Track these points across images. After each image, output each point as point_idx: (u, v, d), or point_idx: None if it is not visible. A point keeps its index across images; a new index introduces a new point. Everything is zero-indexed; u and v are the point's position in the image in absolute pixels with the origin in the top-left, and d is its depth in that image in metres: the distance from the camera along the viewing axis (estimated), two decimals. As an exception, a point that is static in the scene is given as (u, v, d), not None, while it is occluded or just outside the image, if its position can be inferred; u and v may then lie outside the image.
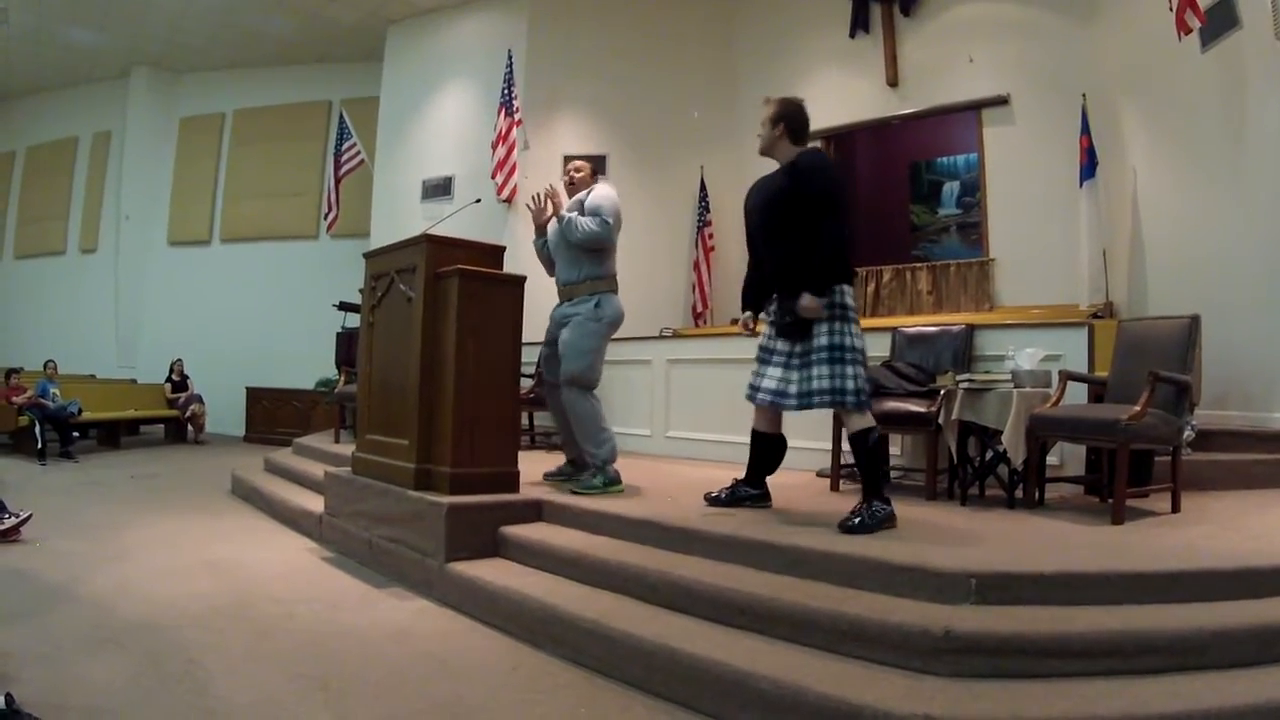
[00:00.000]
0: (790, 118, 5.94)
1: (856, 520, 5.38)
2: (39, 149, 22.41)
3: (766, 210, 5.99)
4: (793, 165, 5.84)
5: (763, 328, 6.18)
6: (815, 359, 5.66)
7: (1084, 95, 11.18)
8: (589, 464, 7.05)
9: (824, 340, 5.63)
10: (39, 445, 13.67)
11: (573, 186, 7.47)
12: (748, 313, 6.38)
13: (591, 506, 6.24)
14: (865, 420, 5.69)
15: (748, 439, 6.28)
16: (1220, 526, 5.60)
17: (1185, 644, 3.78)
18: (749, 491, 6.30)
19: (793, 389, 5.77)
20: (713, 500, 6.32)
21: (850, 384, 5.58)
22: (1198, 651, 3.77)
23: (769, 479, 6.32)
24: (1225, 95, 8.94)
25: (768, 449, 6.30)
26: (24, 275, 22.13)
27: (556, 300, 7.38)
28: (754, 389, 6.05)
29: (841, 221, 5.66)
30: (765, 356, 6.03)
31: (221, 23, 18.02)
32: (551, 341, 7.31)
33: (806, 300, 5.58)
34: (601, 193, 7.23)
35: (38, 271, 21.89)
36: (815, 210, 5.63)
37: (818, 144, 13.79)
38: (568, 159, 7.65)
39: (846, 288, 5.69)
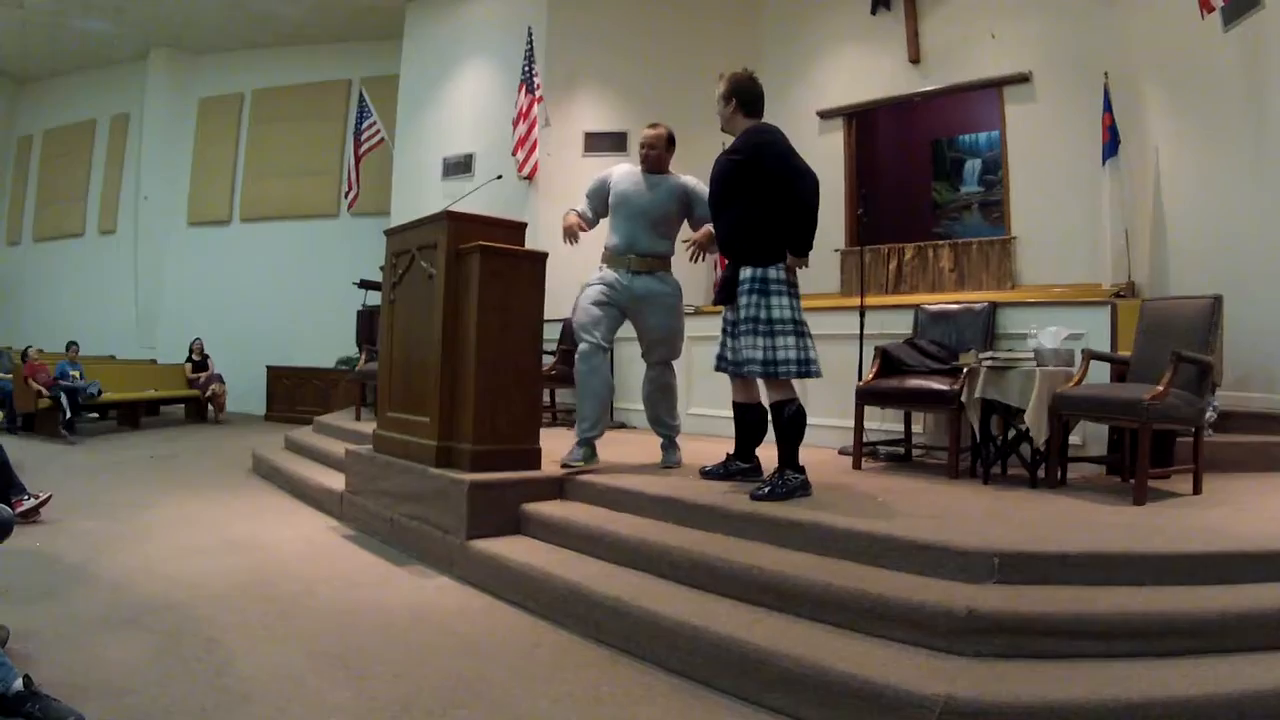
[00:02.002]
0: (740, 92, 6.10)
1: (767, 489, 5.64)
2: (56, 132, 22.61)
3: (714, 188, 6.21)
4: (738, 146, 6.01)
5: None
6: (741, 330, 5.85)
7: (1106, 73, 11.12)
8: (666, 436, 7.33)
9: (743, 313, 5.82)
10: (66, 416, 13.90)
11: (647, 163, 7.18)
12: None
13: (615, 484, 6.22)
14: (784, 392, 5.86)
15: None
16: (1242, 508, 5.58)
17: (1208, 627, 3.77)
18: (740, 465, 6.46)
19: (729, 355, 6.10)
20: (707, 474, 6.48)
21: (762, 354, 5.73)
22: (1220, 634, 3.76)
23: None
24: (1247, 75, 8.88)
25: (745, 420, 6.47)
26: (43, 258, 22.34)
27: (589, 273, 7.21)
28: (718, 359, 6.27)
29: (807, 176, 5.75)
30: (725, 327, 6.19)
31: (233, 2, 18.11)
32: (615, 305, 6.98)
33: (790, 261, 5.84)
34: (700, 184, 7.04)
35: (57, 254, 22.10)
36: (769, 185, 5.79)
37: (837, 121, 13.90)
38: (652, 126, 7.29)
39: (779, 264, 5.83)
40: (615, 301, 6.98)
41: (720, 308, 6.20)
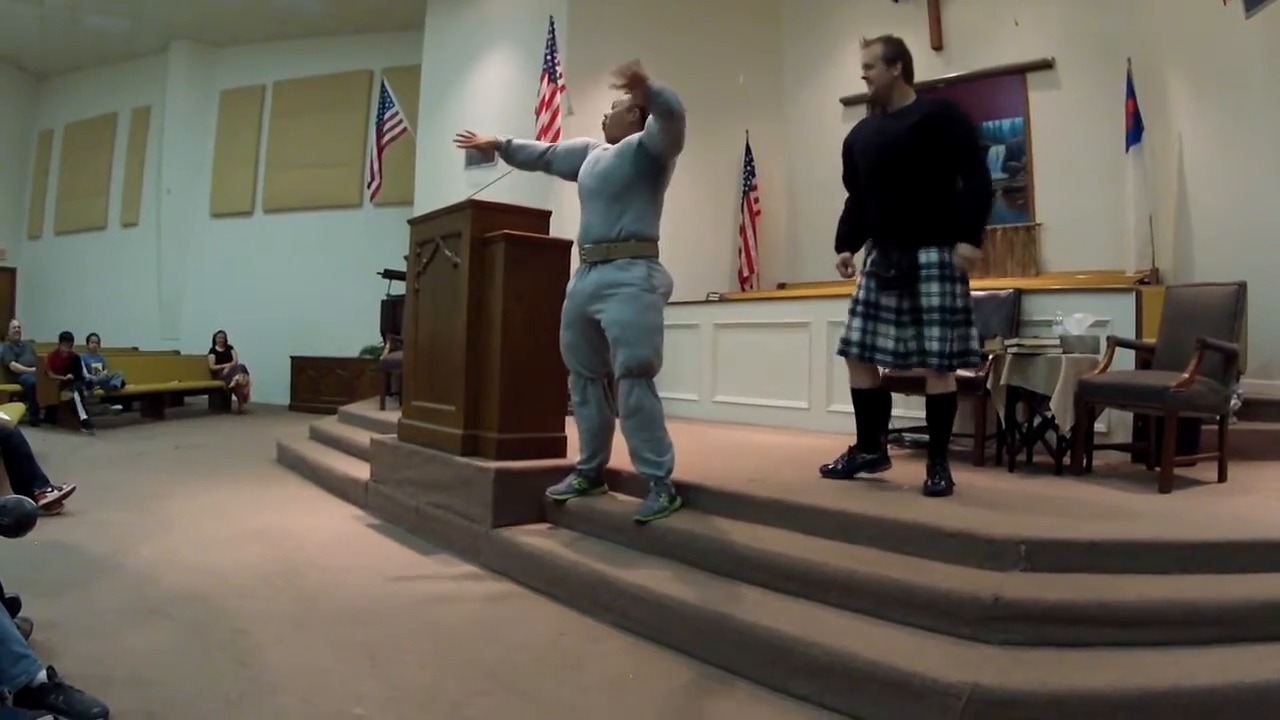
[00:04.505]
0: (905, 55, 5.61)
1: (943, 483, 5.46)
2: (77, 126, 22.75)
3: (882, 153, 5.65)
4: (926, 113, 5.51)
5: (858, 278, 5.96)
6: (928, 319, 5.49)
7: (1129, 59, 11.07)
8: (647, 477, 5.69)
9: (936, 301, 5.45)
10: (82, 417, 14.05)
11: (610, 126, 5.97)
12: (845, 253, 6.10)
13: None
14: (952, 383, 5.69)
15: (794, 403, 6.18)
16: (1267, 496, 5.55)
17: (1234, 615, 3.76)
18: (865, 457, 6.04)
19: (912, 346, 5.63)
20: (829, 472, 6.03)
21: (957, 346, 5.47)
22: (1247, 623, 3.74)
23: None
24: (1270, 60, 8.82)
25: (874, 406, 6.07)
26: (66, 251, 22.52)
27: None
28: (855, 345, 5.78)
29: (987, 173, 5.56)
30: (868, 311, 5.74)
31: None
32: (577, 322, 5.88)
33: (967, 250, 5.43)
34: None
35: (79, 247, 22.27)
36: (948, 160, 5.45)
37: (860, 108, 13.84)
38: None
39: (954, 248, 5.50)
40: (578, 312, 5.84)
41: (743, 293, 6.00)
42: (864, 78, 5.68)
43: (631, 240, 5.64)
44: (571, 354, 5.99)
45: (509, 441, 6.43)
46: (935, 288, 5.44)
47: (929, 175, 5.46)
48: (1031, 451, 6.86)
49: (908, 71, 5.62)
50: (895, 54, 5.56)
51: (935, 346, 5.43)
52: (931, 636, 3.85)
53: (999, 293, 7.81)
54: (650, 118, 5.44)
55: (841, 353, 5.91)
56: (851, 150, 5.92)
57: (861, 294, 5.79)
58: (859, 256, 6.05)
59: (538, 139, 12.66)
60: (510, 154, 6.51)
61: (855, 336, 5.78)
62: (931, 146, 5.42)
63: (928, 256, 5.47)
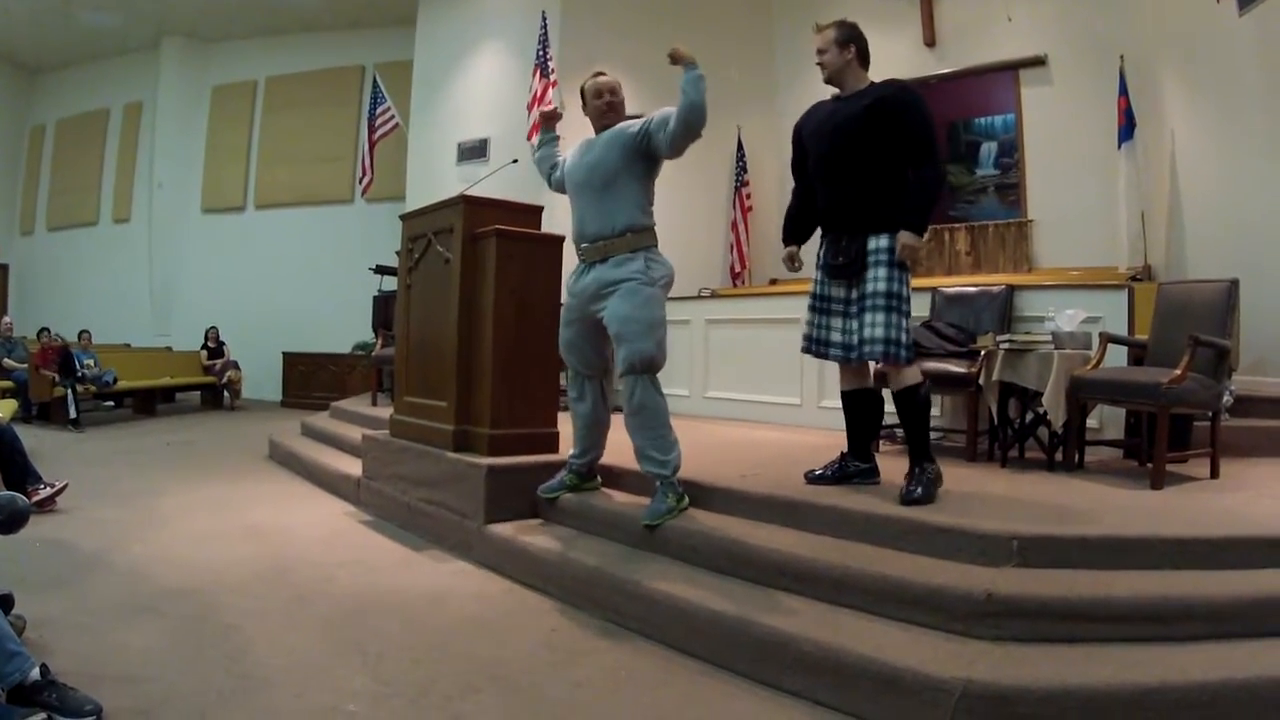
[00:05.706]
0: (859, 39, 5.46)
1: (919, 490, 5.03)
2: (69, 121, 22.67)
3: (833, 139, 5.43)
4: (880, 96, 5.30)
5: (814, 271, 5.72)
6: (870, 305, 5.20)
7: (1122, 56, 11.11)
8: (653, 476, 5.49)
9: (882, 285, 5.17)
10: (73, 415, 13.94)
11: (611, 114, 5.99)
12: (793, 246, 5.84)
13: (632, 467, 5.84)
14: (915, 375, 5.34)
15: (786, 399, 6.08)
16: (1259, 493, 5.54)
17: (1225, 611, 3.77)
18: (858, 466, 5.69)
19: (854, 339, 5.33)
20: (816, 478, 5.64)
21: (904, 336, 5.16)
22: (1238, 619, 3.75)
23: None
24: (1263, 58, 8.85)
25: (862, 408, 5.75)
26: (57, 247, 22.44)
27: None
28: (814, 342, 5.59)
29: (939, 163, 5.28)
30: (823, 306, 5.54)
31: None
32: (579, 321, 5.83)
33: (907, 238, 5.14)
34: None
35: (71, 243, 22.20)
36: (900, 147, 5.21)
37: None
38: (597, 73, 6.23)
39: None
40: (581, 311, 5.78)
41: (735, 289, 5.88)
42: (818, 63, 5.59)
43: (628, 234, 5.58)
44: (571, 352, 5.95)
45: (501, 437, 6.41)
46: (883, 272, 5.20)
47: (880, 160, 5.26)
48: (1024, 448, 6.84)
49: (862, 56, 5.51)
50: (848, 37, 5.47)
51: (880, 333, 5.16)
52: (924, 632, 3.85)
53: (991, 289, 7.79)
54: (671, 120, 5.58)
55: (803, 350, 5.73)
56: (801, 135, 5.78)
57: (815, 288, 5.62)
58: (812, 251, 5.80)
59: (529, 135, 12.67)
60: (545, 141, 6.58)
61: (806, 331, 5.63)
62: (884, 131, 5.22)
63: (877, 243, 5.26)
